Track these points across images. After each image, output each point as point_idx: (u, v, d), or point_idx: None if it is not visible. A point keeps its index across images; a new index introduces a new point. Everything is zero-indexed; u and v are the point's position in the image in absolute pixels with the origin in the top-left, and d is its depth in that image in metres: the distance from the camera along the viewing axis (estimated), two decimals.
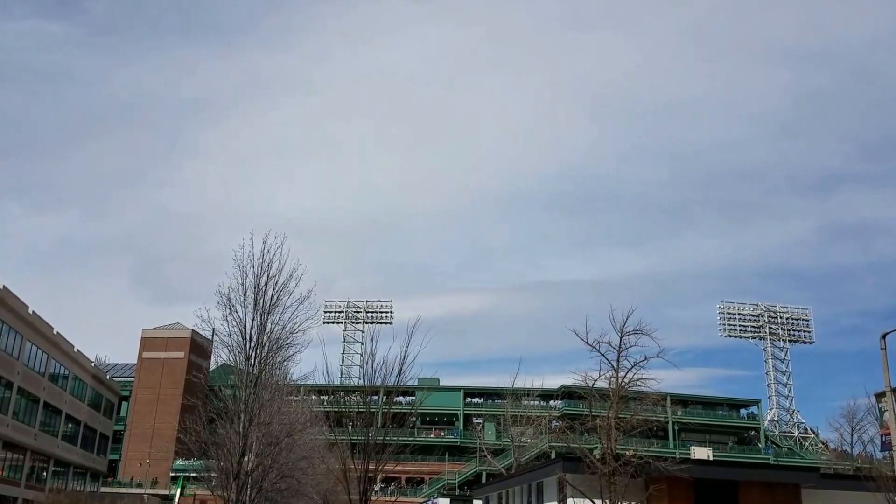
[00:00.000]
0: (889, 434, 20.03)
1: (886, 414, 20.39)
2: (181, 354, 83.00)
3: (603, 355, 24.38)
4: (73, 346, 56.25)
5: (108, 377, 68.34)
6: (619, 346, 24.25)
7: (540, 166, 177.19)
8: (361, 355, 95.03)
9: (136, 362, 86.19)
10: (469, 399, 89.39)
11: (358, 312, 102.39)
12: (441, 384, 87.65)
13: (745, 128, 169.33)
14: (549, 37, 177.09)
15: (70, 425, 57.35)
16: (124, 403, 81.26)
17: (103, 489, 67.08)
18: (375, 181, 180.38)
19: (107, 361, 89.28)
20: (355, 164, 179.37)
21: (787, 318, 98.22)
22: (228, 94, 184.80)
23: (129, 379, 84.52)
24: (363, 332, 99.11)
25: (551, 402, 79.17)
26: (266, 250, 23.24)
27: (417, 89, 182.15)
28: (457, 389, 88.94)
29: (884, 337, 20.07)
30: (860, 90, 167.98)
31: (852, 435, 74.61)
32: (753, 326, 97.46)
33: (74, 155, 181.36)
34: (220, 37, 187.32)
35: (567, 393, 76.35)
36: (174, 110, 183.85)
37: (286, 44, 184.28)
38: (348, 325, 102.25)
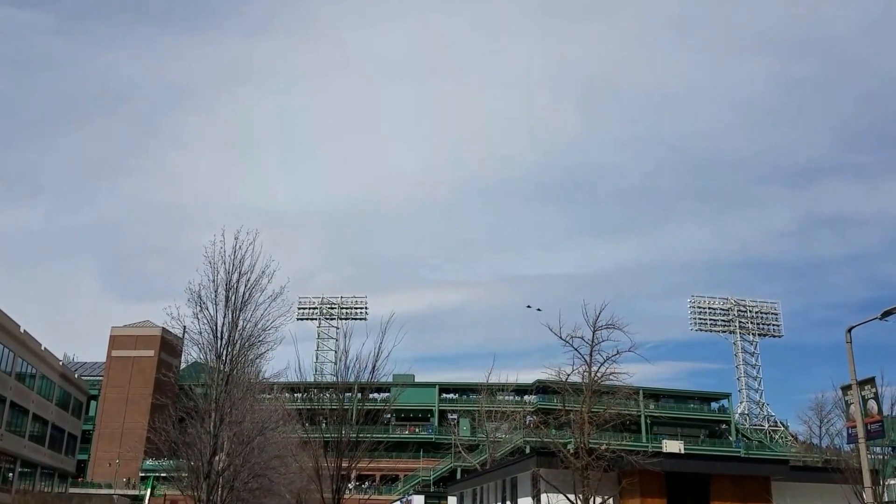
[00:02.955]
0: (855, 427, 20.32)
1: (852, 407, 20.69)
2: (151, 353, 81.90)
3: (576, 350, 24.50)
4: (41, 345, 55.22)
5: (76, 376, 67.23)
6: (592, 341, 24.37)
7: (523, 156, 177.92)
8: (336, 352, 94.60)
9: (105, 361, 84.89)
10: (444, 395, 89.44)
11: (333, 308, 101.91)
12: (416, 380, 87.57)
13: (730, 117, 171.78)
14: (534, 26, 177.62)
15: (37, 425, 56.31)
16: (93, 403, 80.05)
17: (72, 490, 66.02)
18: (354, 172, 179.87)
19: (75, 360, 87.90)
20: (333, 154, 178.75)
21: (756, 312, 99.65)
22: (208, 82, 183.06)
23: (98, 378, 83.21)
24: (337, 328, 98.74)
25: (526, 397, 79.48)
26: (238, 247, 22.94)
27: (399, 78, 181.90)
28: (432, 385, 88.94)
29: (849, 330, 20.29)
30: (846, 80, 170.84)
31: (821, 428, 75.67)
32: (724, 320, 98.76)
33: (49, 144, 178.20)
34: (203, 23, 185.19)
35: (541, 388, 76.71)
36: (153, 99, 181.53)
37: (270, 31, 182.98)
38: (323, 322, 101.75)
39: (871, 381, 20.14)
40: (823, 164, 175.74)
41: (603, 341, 24.08)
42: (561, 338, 24.07)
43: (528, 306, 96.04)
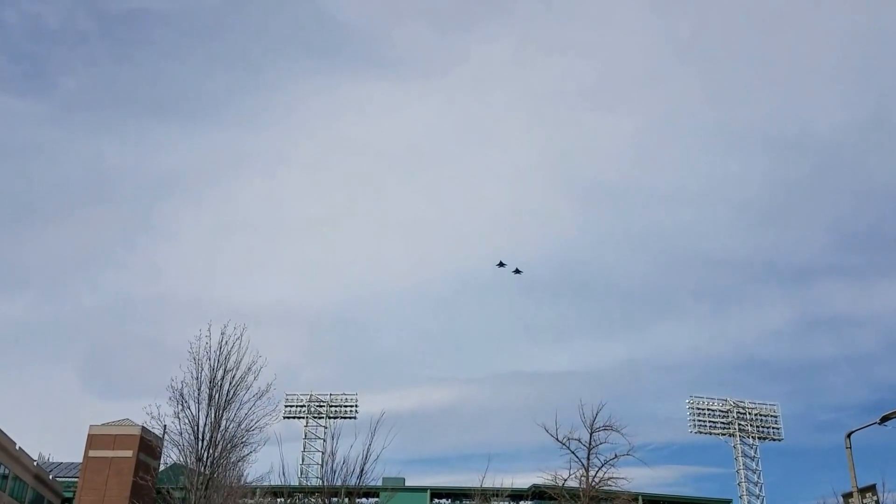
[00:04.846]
0: None
1: None
2: (129, 453, 78.69)
3: (573, 452, 23.58)
4: (16, 444, 53.06)
5: (51, 477, 64.35)
6: (590, 443, 23.47)
7: (519, 251, 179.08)
8: (323, 453, 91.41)
9: (81, 461, 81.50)
10: (436, 500, 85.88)
11: (321, 406, 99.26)
12: (407, 484, 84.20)
13: (727, 216, 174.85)
14: (534, 123, 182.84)
15: None
16: None
17: None
18: (345, 265, 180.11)
19: (51, 460, 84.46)
20: (324, 246, 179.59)
21: (755, 415, 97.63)
22: (198, 172, 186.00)
23: (73, 479, 79.61)
24: (325, 427, 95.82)
25: (522, 503, 76.34)
26: (224, 342, 22.29)
27: (393, 170, 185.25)
28: (423, 490, 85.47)
29: (848, 436, 19.51)
30: (840, 181, 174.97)
31: None
32: (723, 422, 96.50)
33: (36, 234, 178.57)
34: (195, 113, 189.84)
35: (538, 493, 73.67)
36: (142, 188, 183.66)
37: (261, 122, 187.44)
38: (310, 421, 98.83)
39: (871, 488, 19.43)
40: (819, 265, 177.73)
41: (601, 444, 23.21)
42: (558, 440, 23.20)
43: (502, 263, 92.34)
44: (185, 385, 21.97)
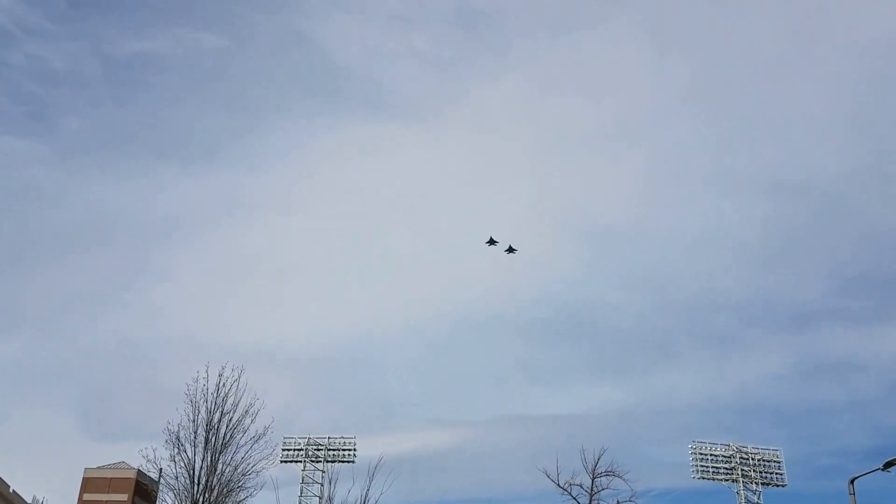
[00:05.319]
0: None
1: None
2: (125, 497, 77.63)
3: (575, 498, 23.31)
4: (9, 487, 52.29)
5: None
6: (592, 489, 23.23)
7: (519, 292, 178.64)
8: (320, 498, 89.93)
9: None
10: None
11: (319, 450, 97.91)
12: None
13: (728, 260, 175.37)
14: (534, 165, 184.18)
15: None
16: None
17: None
18: (344, 306, 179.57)
19: (45, 503, 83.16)
20: (323, 288, 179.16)
21: (758, 460, 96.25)
22: (199, 215, 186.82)
23: None
24: (323, 472, 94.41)
25: None
26: (222, 384, 22.16)
27: (393, 211, 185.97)
28: None
29: (852, 482, 19.27)
30: (837, 225, 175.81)
31: None
32: (726, 468, 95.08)
33: (34, 275, 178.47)
34: (196, 156, 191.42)
35: None
36: (141, 231, 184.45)
37: (263, 165, 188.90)
38: (307, 464, 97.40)
39: None
40: (820, 309, 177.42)
41: (603, 489, 23.00)
42: (559, 485, 22.96)
43: (493, 241, 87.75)
44: (181, 428, 21.77)
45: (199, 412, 22.09)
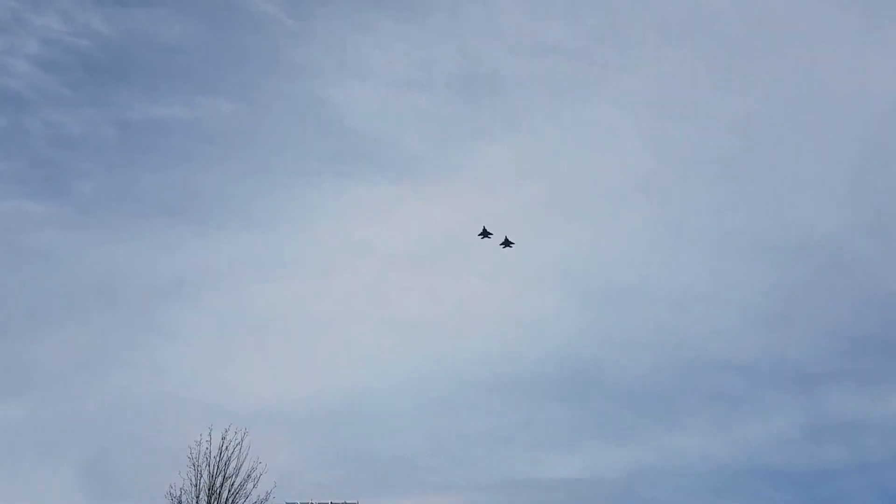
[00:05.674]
0: None
1: None
2: None
3: None
4: None
5: None
6: None
7: (523, 349, 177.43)
8: None
9: None
10: None
11: None
12: None
13: (731, 319, 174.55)
14: (537, 227, 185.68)
15: None
16: None
17: None
18: (347, 365, 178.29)
19: None
20: (326, 348, 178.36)
21: None
22: (206, 274, 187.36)
23: None
24: None
25: None
26: (224, 447, 22.55)
27: (400, 269, 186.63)
28: None
29: None
30: (841, 284, 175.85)
31: None
32: None
33: (40, 336, 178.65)
34: (205, 217, 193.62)
35: None
36: (149, 290, 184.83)
37: (268, 225, 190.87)
38: None
39: None
40: (825, 369, 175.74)
41: None
42: None
43: (486, 233, 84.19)
44: (183, 492, 22.14)
45: (202, 476, 22.51)
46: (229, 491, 22.03)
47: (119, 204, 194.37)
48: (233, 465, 22.24)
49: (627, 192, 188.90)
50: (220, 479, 21.94)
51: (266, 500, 22.17)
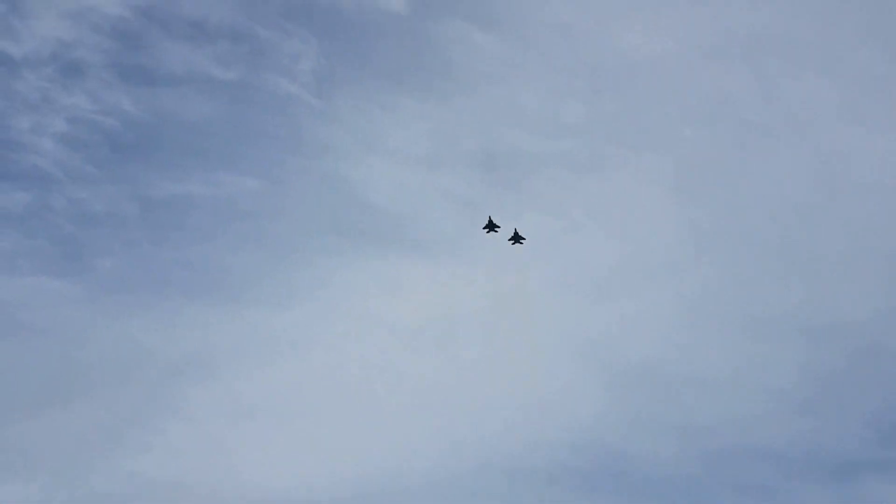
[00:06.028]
0: None
1: None
2: None
3: None
4: None
5: None
6: None
7: (544, 434, 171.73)
8: None
9: None
10: None
11: None
12: None
13: (761, 404, 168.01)
14: (559, 305, 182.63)
15: None
16: None
17: None
18: (365, 448, 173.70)
19: None
20: (343, 429, 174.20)
21: None
22: (221, 352, 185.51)
23: None
24: None
25: None
26: None
27: (416, 349, 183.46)
28: None
29: None
30: (874, 368, 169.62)
31: None
32: None
33: (53, 415, 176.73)
34: (223, 294, 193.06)
35: None
36: (164, 368, 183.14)
37: (286, 301, 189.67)
38: None
39: None
40: (861, 458, 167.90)
41: None
42: None
43: (492, 226, 75.36)
44: None
45: None
46: None
47: (138, 281, 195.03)
48: None
49: (651, 270, 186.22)
50: None
51: None
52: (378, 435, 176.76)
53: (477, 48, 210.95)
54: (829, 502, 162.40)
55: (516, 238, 74.41)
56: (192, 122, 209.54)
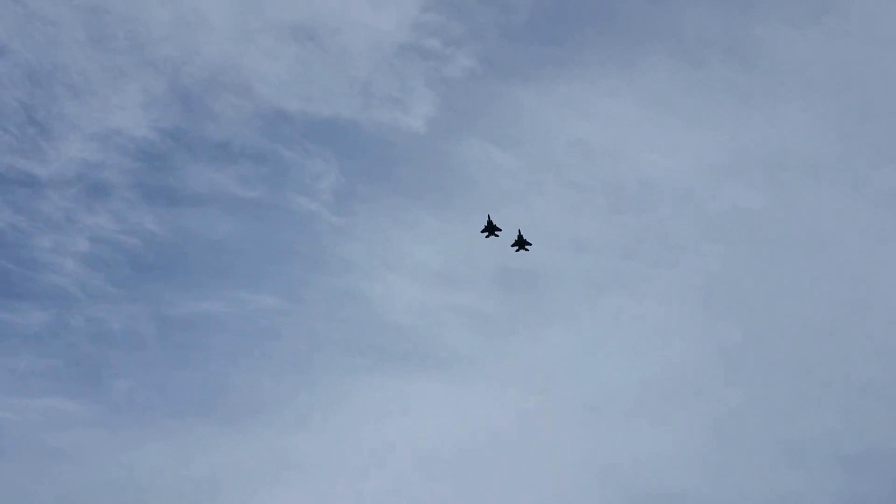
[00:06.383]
0: None
1: None
2: None
3: None
4: None
5: None
6: None
7: None
8: None
9: None
10: None
11: None
12: None
13: None
14: (577, 421, 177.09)
15: None
16: None
17: None
18: None
19: None
20: None
21: None
22: (236, 476, 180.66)
23: None
24: None
25: None
26: None
27: (434, 470, 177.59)
28: None
29: None
30: None
31: None
32: None
33: None
34: (239, 415, 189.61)
35: None
36: (175, 492, 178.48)
37: (303, 423, 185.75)
38: None
39: None
40: None
41: None
42: None
43: (492, 229, 67.33)
44: None
45: None
46: None
47: (154, 402, 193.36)
48: None
49: (677, 391, 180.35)
50: None
51: None
52: None
53: (496, 166, 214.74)
54: None
55: (520, 243, 69.20)
56: (213, 240, 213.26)
